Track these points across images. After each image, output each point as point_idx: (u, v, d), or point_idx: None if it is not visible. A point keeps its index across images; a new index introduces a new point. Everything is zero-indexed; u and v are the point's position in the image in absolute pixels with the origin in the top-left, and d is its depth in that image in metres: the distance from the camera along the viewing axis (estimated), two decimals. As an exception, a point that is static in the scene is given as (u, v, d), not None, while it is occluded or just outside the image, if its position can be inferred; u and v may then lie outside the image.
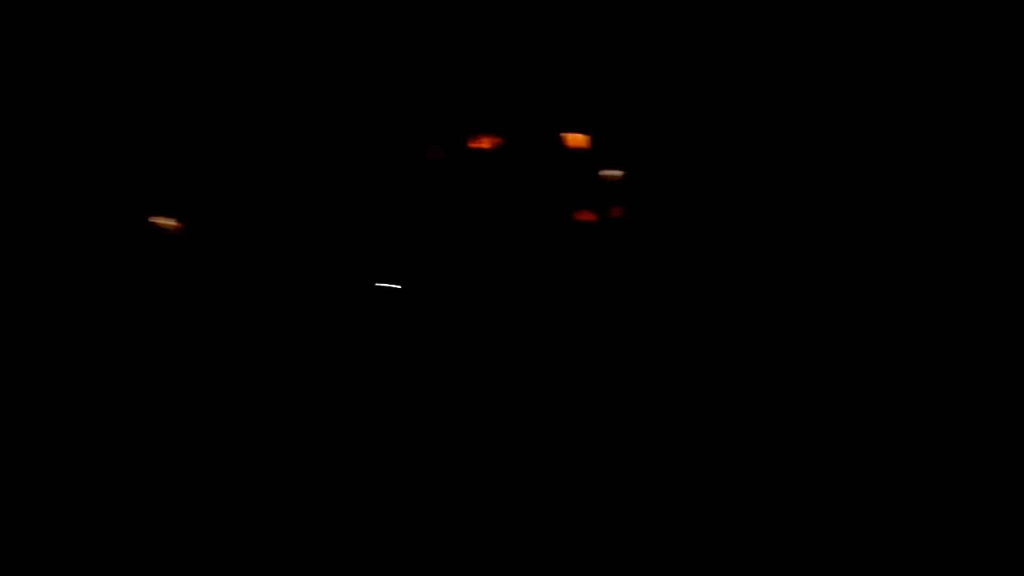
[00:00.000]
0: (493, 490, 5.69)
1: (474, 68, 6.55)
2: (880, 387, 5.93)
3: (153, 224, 6.21)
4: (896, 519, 5.58)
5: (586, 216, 6.51)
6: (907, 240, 6.29)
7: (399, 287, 6.26)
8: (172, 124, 6.36)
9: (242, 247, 6.26)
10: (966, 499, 5.63)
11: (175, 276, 6.12)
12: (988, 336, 6.06)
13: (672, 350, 5.99)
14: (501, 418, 5.91)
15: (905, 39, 6.48)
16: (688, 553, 5.52)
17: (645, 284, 6.21)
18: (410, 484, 5.69)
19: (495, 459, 5.78)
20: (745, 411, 5.82)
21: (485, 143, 6.58)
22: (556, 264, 6.32)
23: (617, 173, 6.54)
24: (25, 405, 5.63)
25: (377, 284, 6.25)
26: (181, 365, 5.88)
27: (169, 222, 6.24)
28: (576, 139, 6.54)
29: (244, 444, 5.75)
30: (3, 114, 6.19)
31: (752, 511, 5.61)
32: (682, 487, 5.66)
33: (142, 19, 6.36)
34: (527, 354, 6.09)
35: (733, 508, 5.61)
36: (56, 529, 5.32)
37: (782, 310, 6.11)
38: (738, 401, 5.84)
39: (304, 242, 6.32)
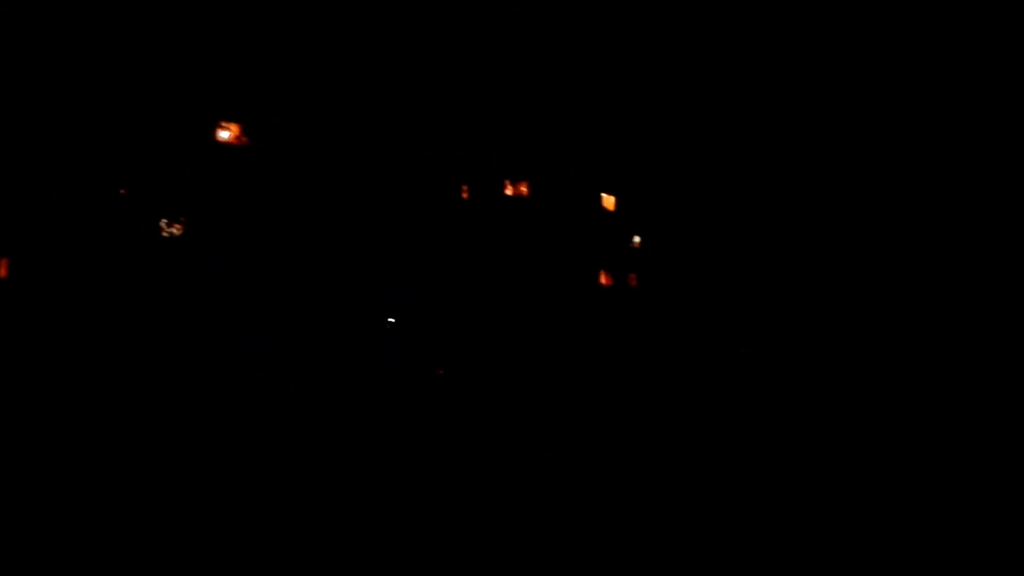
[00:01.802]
0: (493, 489, 5.67)
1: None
2: (880, 386, 5.93)
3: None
4: (896, 517, 5.56)
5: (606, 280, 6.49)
6: (907, 241, 6.28)
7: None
8: (172, 126, 6.35)
9: (242, 248, 6.25)
10: (966, 497, 5.61)
11: (175, 276, 6.11)
12: (988, 336, 6.06)
13: (672, 350, 5.99)
14: (501, 418, 5.89)
15: (905, 40, 6.47)
16: (688, 552, 5.49)
17: (645, 286, 6.21)
18: (410, 483, 5.67)
19: (495, 458, 5.77)
20: (745, 411, 5.81)
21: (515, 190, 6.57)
22: (560, 269, 6.33)
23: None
24: (25, 405, 5.62)
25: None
26: (181, 365, 5.87)
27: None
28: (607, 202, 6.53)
29: (244, 443, 5.73)
30: (4, 115, 6.17)
31: (752, 510, 5.58)
32: (682, 486, 5.64)
33: (143, 22, 6.36)
34: (528, 355, 6.08)
35: (733, 507, 5.59)
36: (56, 529, 5.29)
37: (782, 310, 6.11)
38: (738, 401, 5.83)
39: (304, 243, 6.31)
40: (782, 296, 6.16)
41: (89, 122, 6.25)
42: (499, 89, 6.56)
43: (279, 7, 6.49)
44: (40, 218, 6.07)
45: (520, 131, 6.54)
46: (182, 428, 5.73)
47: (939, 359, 5.98)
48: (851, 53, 6.45)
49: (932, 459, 5.73)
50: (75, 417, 5.64)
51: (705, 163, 6.45)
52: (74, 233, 6.07)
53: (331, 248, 6.31)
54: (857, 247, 6.24)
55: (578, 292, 6.27)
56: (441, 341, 6.15)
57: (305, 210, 6.38)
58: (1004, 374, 5.93)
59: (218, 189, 6.33)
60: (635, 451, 5.74)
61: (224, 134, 6.36)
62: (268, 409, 5.84)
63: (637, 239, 6.43)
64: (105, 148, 6.25)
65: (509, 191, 6.50)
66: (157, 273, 6.07)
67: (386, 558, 5.53)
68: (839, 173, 6.37)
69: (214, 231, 6.26)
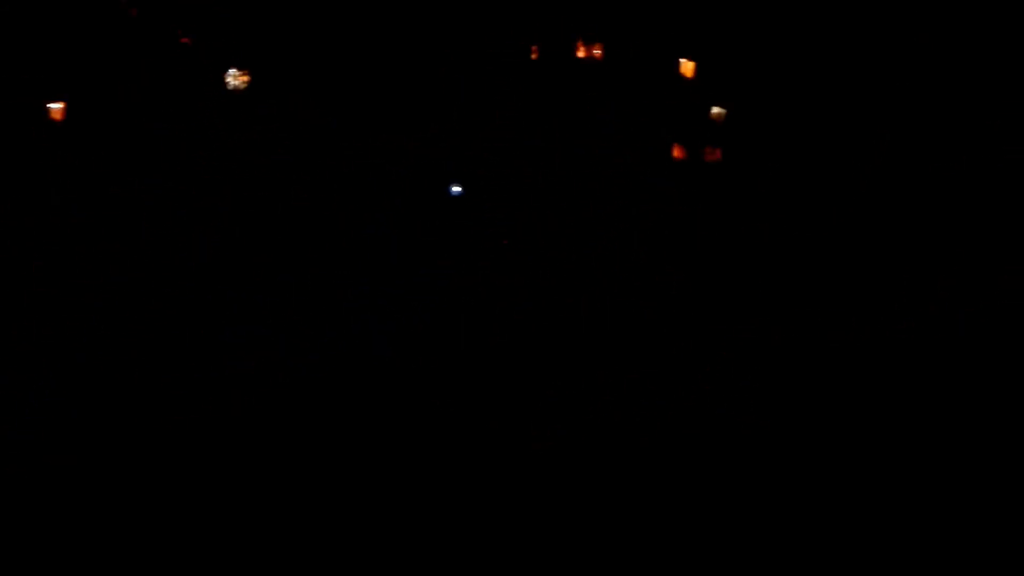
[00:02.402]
0: (479, 479, 5.75)
1: None
2: (863, 389, 5.97)
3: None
4: (878, 518, 5.63)
5: (679, 153, 6.46)
6: (890, 244, 6.33)
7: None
8: (166, 121, 6.41)
9: (231, 239, 6.31)
10: (950, 498, 5.67)
11: (170, 272, 6.18)
12: (970, 339, 6.11)
13: (655, 354, 6.04)
14: (487, 409, 5.96)
15: (885, 43, 6.48)
16: (671, 546, 5.58)
17: (629, 289, 6.26)
18: (398, 473, 5.75)
19: (481, 449, 5.84)
20: (728, 413, 5.88)
21: (586, 51, 6.51)
22: (543, 261, 6.38)
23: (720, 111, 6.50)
24: (25, 405, 5.70)
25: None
26: (181, 365, 5.94)
27: None
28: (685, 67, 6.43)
29: (238, 437, 5.79)
30: (3, 115, 6.23)
31: (735, 511, 5.66)
32: (665, 487, 5.71)
33: (140, 21, 6.41)
34: (514, 347, 6.13)
35: (716, 508, 5.67)
36: (56, 529, 5.37)
37: (765, 313, 6.16)
38: (721, 404, 5.89)
39: (292, 234, 6.37)
40: (765, 299, 6.22)
41: (88, 122, 6.31)
42: (484, 85, 6.59)
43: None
44: (40, 218, 6.14)
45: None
46: (182, 429, 5.81)
47: (922, 362, 6.03)
48: (832, 56, 6.46)
49: (916, 462, 5.78)
50: (75, 417, 5.72)
51: (687, 166, 6.48)
52: (74, 233, 6.14)
53: (319, 239, 6.36)
54: (840, 251, 6.29)
55: (562, 287, 6.33)
56: (427, 332, 6.20)
57: (292, 201, 6.43)
58: (987, 377, 5.98)
59: (207, 179, 6.38)
60: (619, 454, 5.82)
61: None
62: (259, 399, 5.91)
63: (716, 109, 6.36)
64: (103, 147, 6.31)
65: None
66: (155, 272, 6.13)
67: (373, 549, 5.60)
68: (821, 178, 6.41)
69: (205, 223, 6.31)
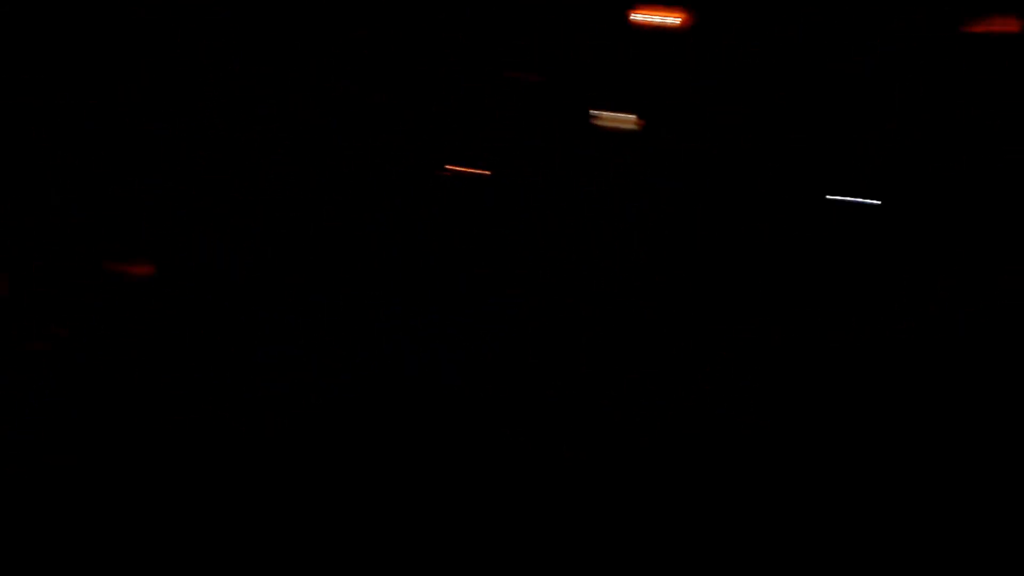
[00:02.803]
0: (477, 490, 5.75)
1: None
2: (863, 389, 5.99)
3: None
4: (878, 518, 5.65)
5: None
6: (890, 244, 6.34)
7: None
8: (181, 125, 6.42)
9: (261, 256, 6.31)
10: (950, 498, 5.69)
11: (203, 293, 6.19)
12: (970, 339, 6.12)
13: (655, 355, 6.06)
14: (518, 427, 5.96)
15: (883, 40, 6.49)
16: (672, 546, 5.59)
17: (630, 289, 6.28)
18: (436, 494, 5.73)
19: (515, 468, 5.84)
20: (728, 414, 5.89)
21: None
22: (544, 272, 6.39)
23: None
24: (25, 405, 5.71)
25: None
26: (179, 366, 5.95)
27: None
28: None
29: (266, 452, 5.78)
30: (4, 116, 6.25)
31: (735, 510, 5.67)
32: (665, 488, 5.73)
33: (143, 30, 6.42)
34: (516, 357, 6.15)
35: (716, 508, 5.68)
36: (56, 529, 5.38)
37: (765, 314, 6.17)
38: (721, 404, 5.91)
39: (324, 252, 6.37)
40: (765, 300, 6.23)
41: (89, 125, 6.32)
42: (483, 83, 6.61)
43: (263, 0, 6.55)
44: (40, 218, 6.15)
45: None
46: (181, 429, 5.80)
47: (922, 361, 6.05)
48: (831, 57, 6.48)
49: (916, 461, 5.80)
50: (75, 417, 5.73)
51: (687, 166, 6.50)
52: (74, 233, 6.15)
53: (352, 258, 6.36)
54: (840, 251, 6.30)
55: (561, 287, 6.33)
56: (458, 349, 6.19)
57: (325, 221, 6.42)
58: (987, 377, 5.99)
59: (240, 198, 6.38)
60: (621, 453, 5.83)
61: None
62: (291, 419, 5.89)
63: None
64: (106, 150, 6.32)
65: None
66: (158, 274, 6.15)
67: (398, 556, 5.57)
68: (821, 178, 6.42)
69: (234, 241, 6.32)
